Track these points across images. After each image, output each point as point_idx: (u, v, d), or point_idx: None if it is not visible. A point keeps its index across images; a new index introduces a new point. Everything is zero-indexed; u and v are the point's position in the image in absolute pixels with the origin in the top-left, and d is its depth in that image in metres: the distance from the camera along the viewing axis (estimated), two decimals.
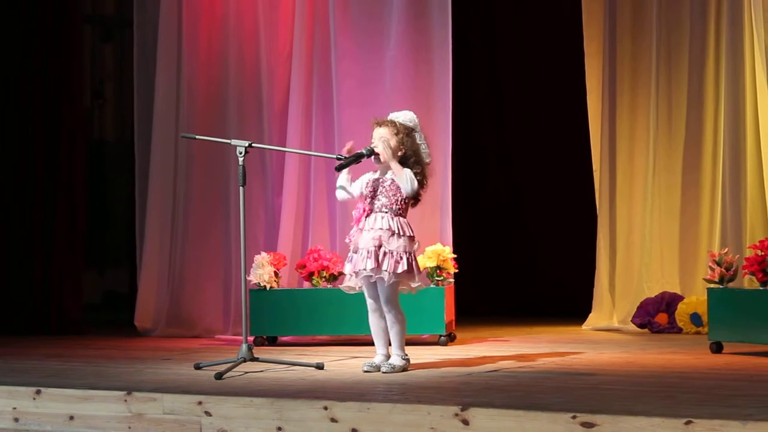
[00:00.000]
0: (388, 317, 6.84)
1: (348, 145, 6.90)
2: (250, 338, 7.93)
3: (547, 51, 11.18)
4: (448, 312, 8.41)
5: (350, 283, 6.91)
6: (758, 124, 8.68)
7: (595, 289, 9.62)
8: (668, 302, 9.12)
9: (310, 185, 9.13)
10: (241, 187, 7.02)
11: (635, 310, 9.28)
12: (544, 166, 11.22)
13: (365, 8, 9.02)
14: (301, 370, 6.95)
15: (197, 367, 6.99)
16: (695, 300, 8.95)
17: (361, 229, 6.83)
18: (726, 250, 7.95)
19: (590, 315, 9.61)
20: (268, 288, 8.50)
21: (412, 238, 6.83)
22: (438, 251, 8.38)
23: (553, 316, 10.20)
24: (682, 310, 8.99)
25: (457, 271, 8.48)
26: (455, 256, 8.50)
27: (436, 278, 8.32)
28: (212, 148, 9.17)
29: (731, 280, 7.67)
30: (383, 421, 5.48)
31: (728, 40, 8.89)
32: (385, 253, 6.75)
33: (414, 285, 6.85)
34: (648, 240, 9.40)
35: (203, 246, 9.47)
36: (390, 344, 6.90)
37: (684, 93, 9.29)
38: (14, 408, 6.32)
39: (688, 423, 4.88)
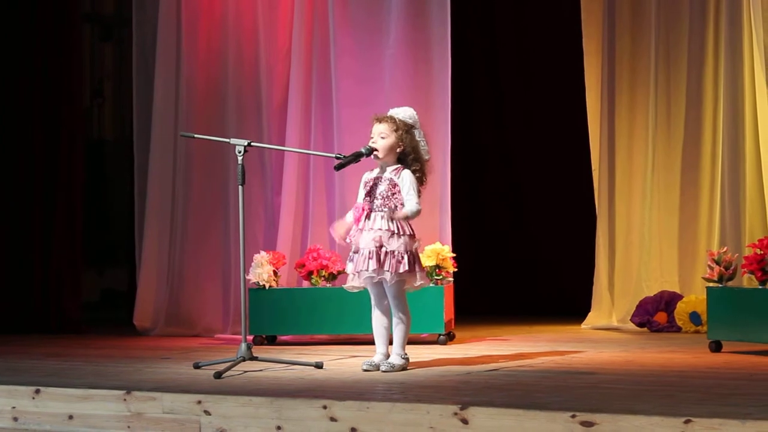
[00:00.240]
0: (395, 316, 6.84)
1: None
2: (250, 337, 7.92)
3: (546, 50, 11.19)
4: (448, 311, 8.41)
5: (353, 282, 6.91)
6: (757, 122, 8.68)
7: (594, 288, 9.62)
8: (667, 301, 9.12)
9: (309, 184, 9.13)
10: (240, 186, 7.01)
11: (634, 309, 9.28)
12: (543, 164, 11.23)
13: (364, 6, 9.02)
14: (301, 369, 6.95)
15: (196, 366, 6.98)
16: (694, 299, 8.95)
17: (361, 229, 6.82)
18: (725, 248, 7.94)
19: (589, 314, 9.61)
20: (267, 287, 8.49)
21: (412, 236, 6.82)
22: (437, 250, 8.37)
23: (552, 315, 10.20)
24: (681, 309, 8.99)
25: (456, 270, 8.48)
26: (454, 255, 8.49)
27: (435, 277, 8.31)
28: (211, 146, 9.17)
29: (730, 279, 7.67)
30: (382, 420, 5.48)
31: (727, 38, 8.89)
32: (386, 254, 6.74)
33: (416, 284, 6.85)
34: (647, 239, 9.41)
35: (202, 245, 9.47)
36: (390, 343, 6.90)
37: (683, 92, 9.29)
38: (13, 407, 6.32)
39: (687, 422, 4.88)
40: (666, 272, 9.34)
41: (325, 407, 5.60)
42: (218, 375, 6.59)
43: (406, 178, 6.80)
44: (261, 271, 8.48)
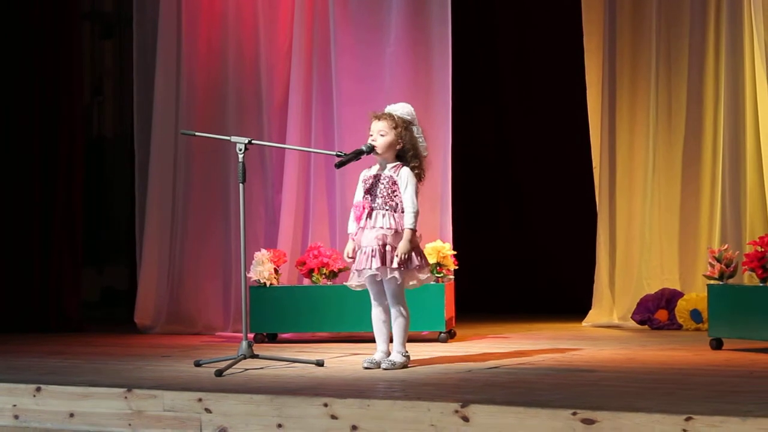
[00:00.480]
0: (393, 313, 6.84)
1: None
2: (250, 335, 7.93)
3: (547, 47, 11.19)
4: (448, 309, 8.41)
5: (355, 280, 6.90)
6: (758, 119, 8.68)
7: (595, 285, 9.62)
8: (668, 299, 9.12)
9: (310, 182, 9.13)
10: (240, 184, 7.00)
11: (635, 306, 9.28)
12: (544, 161, 11.23)
13: (365, 4, 9.02)
14: (301, 367, 6.95)
15: (197, 364, 6.98)
16: (695, 296, 8.95)
17: (363, 228, 6.82)
18: (726, 246, 7.94)
19: (590, 311, 9.61)
20: (268, 285, 8.49)
21: (414, 232, 6.82)
22: (438, 248, 8.37)
23: (553, 312, 10.20)
24: (682, 307, 8.99)
25: (457, 267, 8.48)
26: (455, 252, 8.49)
27: (436, 275, 8.31)
28: (212, 144, 9.16)
29: (731, 276, 7.67)
30: (383, 418, 5.47)
31: (728, 35, 8.89)
32: (391, 251, 6.73)
33: (423, 277, 6.85)
34: (648, 236, 9.41)
35: (203, 243, 9.47)
36: (391, 341, 6.89)
37: (684, 88, 9.29)
38: (14, 405, 6.32)
39: (688, 419, 4.88)
40: (667, 270, 9.34)
41: (326, 405, 5.60)
42: (219, 373, 6.59)
43: (405, 177, 6.79)
44: (262, 268, 8.48)
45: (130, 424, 6.04)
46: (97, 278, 11.93)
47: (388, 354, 6.87)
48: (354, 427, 5.53)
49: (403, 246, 6.71)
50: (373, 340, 6.97)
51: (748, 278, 8.08)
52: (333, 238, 8.97)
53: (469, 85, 11.24)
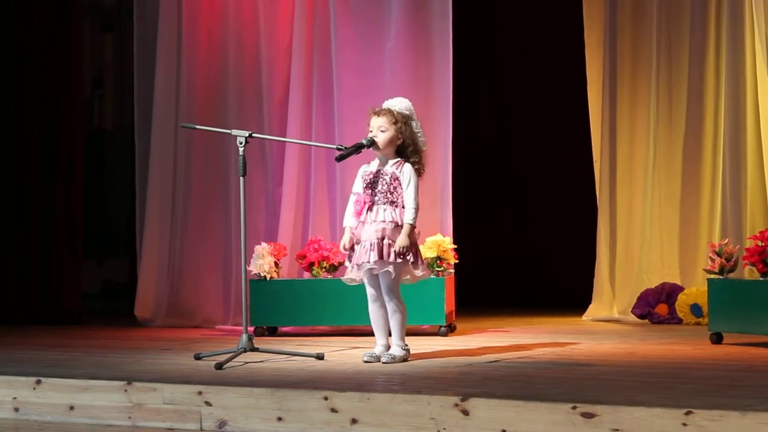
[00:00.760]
0: (389, 307, 6.84)
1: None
2: (250, 328, 7.93)
3: (547, 42, 11.18)
4: (449, 302, 8.41)
5: (352, 275, 6.90)
6: (759, 114, 8.68)
7: (595, 279, 9.62)
8: (668, 293, 9.12)
9: (310, 175, 9.13)
10: (241, 178, 7.01)
11: (635, 300, 9.28)
12: (545, 156, 11.22)
13: None
14: (302, 360, 6.95)
15: (197, 357, 6.99)
16: (695, 291, 8.95)
17: (363, 222, 6.82)
18: (726, 240, 7.94)
19: (590, 306, 9.61)
20: (268, 278, 8.49)
21: (413, 227, 6.82)
22: (438, 242, 8.37)
23: (553, 306, 10.20)
24: (683, 301, 8.99)
25: (457, 261, 8.48)
26: (455, 246, 8.49)
27: (437, 269, 8.31)
28: (212, 138, 9.16)
29: (731, 270, 7.67)
30: (383, 411, 5.48)
31: (729, 30, 8.88)
32: (389, 245, 6.74)
33: (418, 274, 6.85)
34: (648, 230, 9.40)
35: (203, 236, 9.47)
36: (390, 335, 6.89)
37: (684, 84, 9.29)
38: (14, 398, 6.32)
39: (688, 413, 4.89)
40: (667, 264, 9.34)
41: (326, 398, 5.60)
42: (219, 366, 6.59)
43: (408, 174, 6.78)
44: (262, 262, 8.48)
45: (130, 417, 6.04)
46: (98, 271, 11.93)
47: (388, 347, 6.87)
48: (354, 421, 5.53)
49: (401, 240, 6.71)
50: (373, 334, 6.98)
51: (748, 273, 8.08)
52: (333, 231, 8.97)
53: (469, 79, 11.23)
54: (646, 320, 9.17)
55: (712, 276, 7.69)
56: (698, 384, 5.80)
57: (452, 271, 8.50)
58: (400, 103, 6.93)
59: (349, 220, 6.87)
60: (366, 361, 6.80)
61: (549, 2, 11.10)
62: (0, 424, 6.19)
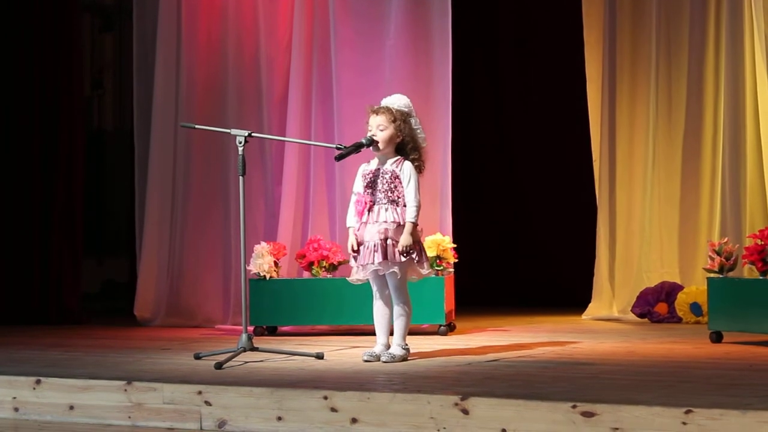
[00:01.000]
0: (396, 307, 6.83)
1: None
2: (250, 328, 7.92)
3: (547, 40, 11.19)
4: (448, 302, 8.41)
5: (358, 275, 6.90)
6: (758, 113, 8.68)
7: (594, 278, 9.63)
8: (668, 292, 9.13)
9: (309, 175, 9.13)
10: (240, 177, 7.00)
11: (635, 299, 9.28)
12: (544, 155, 11.23)
13: None
14: (301, 359, 6.95)
15: (197, 356, 6.99)
16: (695, 290, 8.95)
17: (365, 223, 6.81)
18: (726, 239, 7.94)
19: (590, 305, 9.62)
20: (267, 278, 8.49)
21: (416, 226, 6.82)
22: (438, 241, 8.37)
23: (552, 305, 10.20)
24: (682, 300, 8.99)
25: (457, 260, 8.48)
26: (455, 245, 8.49)
27: (436, 268, 8.31)
28: (212, 137, 9.16)
29: (731, 269, 7.67)
30: (383, 411, 5.48)
31: (728, 28, 8.89)
32: (393, 245, 6.74)
33: (424, 272, 6.85)
34: (648, 229, 9.41)
35: (203, 236, 9.47)
36: (391, 334, 6.89)
37: (684, 82, 9.29)
38: (14, 398, 6.32)
39: (687, 412, 4.88)
40: (667, 263, 9.34)
41: (325, 398, 5.60)
42: (219, 365, 6.59)
43: (408, 172, 6.78)
44: (261, 261, 8.48)
45: (130, 417, 6.04)
46: (98, 270, 11.92)
47: (388, 347, 6.87)
48: (354, 420, 5.53)
49: (404, 239, 6.71)
50: (372, 333, 6.98)
51: (748, 271, 8.08)
52: (333, 230, 8.97)
53: (469, 77, 11.24)
54: (646, 319, 9.17)
55: (712, 275, 7.69)
56: (698, 383, 5.80)
57: (452, 270, 8.50)
58: (398, 101, 6.92)
59: (351, 220, 6.87)
60: (366, 361, 6.80)
61: (549, 1, 11.11)
62: (0, 424, 6.19)
